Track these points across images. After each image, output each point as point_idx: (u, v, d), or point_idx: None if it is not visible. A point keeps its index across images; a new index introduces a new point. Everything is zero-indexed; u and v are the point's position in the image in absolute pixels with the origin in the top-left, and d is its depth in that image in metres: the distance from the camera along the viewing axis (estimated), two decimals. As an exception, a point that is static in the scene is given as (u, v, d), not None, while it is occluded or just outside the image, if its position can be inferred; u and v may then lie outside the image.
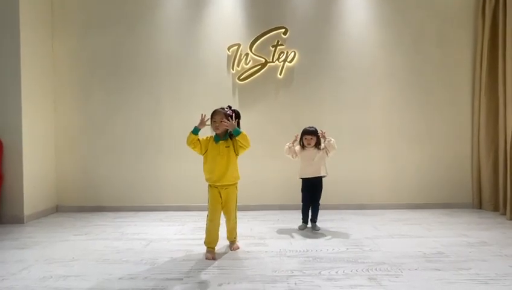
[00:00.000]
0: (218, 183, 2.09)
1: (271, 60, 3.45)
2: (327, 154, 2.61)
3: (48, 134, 3.43)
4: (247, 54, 3.44)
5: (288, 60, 3.44)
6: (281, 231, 2.66)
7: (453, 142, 3.48)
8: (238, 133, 2.04)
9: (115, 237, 2.57)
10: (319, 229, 2.61)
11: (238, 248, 2.23)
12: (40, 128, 3.30)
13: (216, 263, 2.00)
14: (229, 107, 2.14)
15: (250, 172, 3.49)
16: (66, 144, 3.52)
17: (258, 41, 3.44)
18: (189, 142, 2.07)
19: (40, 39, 3.32)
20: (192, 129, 2.07)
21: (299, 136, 2.64)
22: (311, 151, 2.61)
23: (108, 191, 3.51)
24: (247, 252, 2.18)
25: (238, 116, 2.16)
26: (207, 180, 2.13)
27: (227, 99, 3.49)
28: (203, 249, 2.23)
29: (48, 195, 3.40)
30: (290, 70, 3.47)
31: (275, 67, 3.46)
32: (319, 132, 2.60)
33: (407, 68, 3.47)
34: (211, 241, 2.09)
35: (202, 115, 2.09)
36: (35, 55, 3.21)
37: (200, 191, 3.44)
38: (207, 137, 2.14)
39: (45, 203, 3.36)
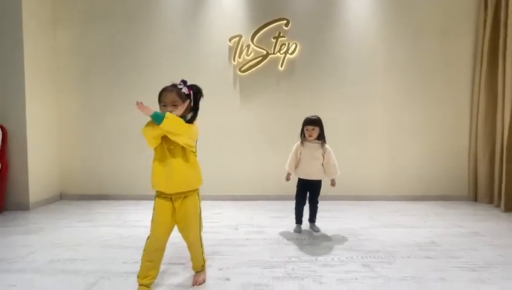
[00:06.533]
0: (171, 191, 1.46)
1: (272, 52, 3.46)
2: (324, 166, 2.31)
3: (51, 123, 3.48)
4: (248, 46, 3.45)
5: (290, 52, 3.46)
6: (279, 220, 2.73)
7: (451, 135, 3.52)
8: (159, 119, 1.32)
9: (117, 224, 2.64)
10: (318, 231, 2.40)
11: (204, 281, 1.62)
12: (44, 117, 3.35)
13: (217, 248, 2.07)
14: (184, 82, 1.50)
15: (251, 163, 3.56)
16: (69, 133, 3.57)
17: (260, 33, 3.45)
18: (150, 135, 1.41)
19: (43, 29, 3.33)
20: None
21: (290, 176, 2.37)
22: (312, 148, 2.28)
23: (111, 179, 3.58)
24: (247, 239, 2.26)
25: (197, 93, 1.53)
26: (154, 186, 1.48)
27: (228, 91, 3.54)
28: (204, 236, 2.27)
29: (52, 183, 3.47)
30: (291, 62, 3.49)
31: (276, 59, 3.48)
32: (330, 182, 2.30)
33: (408, 61, 3.48)
34: (145, 274, 1.47)
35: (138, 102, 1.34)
36: (37, 45, 3.23)
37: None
38: None
39: (49, 191, 3.43)
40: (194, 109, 1.53)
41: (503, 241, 2.18)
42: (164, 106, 1.46)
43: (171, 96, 1.44)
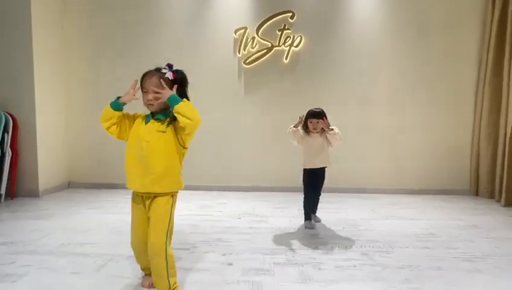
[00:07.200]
0: (137, 189, 1.35)
1: (277, 44, 3.47)
2: (331, 145, 2.27)
3: (59, 112, 3.55)
4: (253, 38, 3.47)
5: (295, 44, 3.47)
6: (281, 211, 2.80)
7: (454, 130, 3.53)
8: (176, 101, 1.25)
9: (125, 211, 2.72)
10: (319, 221, 2.43)
11: None
12: (52, 107, 3.42)
13: (220, 236, 2.14)
14: (169, 66, 1.35)
15: (254, 155, 3.61)
16: (77, 121, 3.64)
17: (265, 25, 3.46)
18: (103, 119, 1.37)
19: (51, 18, 3.37)
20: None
21: (303, 118, 2.27)
22: (317, 138, 2.26)
23: (118, 169, 3.61)
24: (250, 228, 2.33)
25: (183, 81, 1.37)
26: (127, 183, 1.40)
27: (232, 83, 3.57)
28: (208, 224, 2.40)
29: (60, 171, 3.57)
30: (296, 54, 3.50)
31: (281, 52, 3.49)
32: (319, 123, 2.20)
33: (412, 55, 3.47)
34: (144, 266, 1.50)
35: (135, 82, 1.35)
36: (46, 34, 3.29)
37: (203, 171, 3.59)
38: (138, 114, 1.42)
39: (58, 179, 3.53)
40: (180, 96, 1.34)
41: (500, 234, 2.23)
42: (145, 92, 1.33)
43: (153, 82, 1.30)
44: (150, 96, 1.30)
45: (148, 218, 1.35)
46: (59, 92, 3.53)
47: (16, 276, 1.57)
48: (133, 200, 1.40)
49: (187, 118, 1.23)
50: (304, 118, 2.26)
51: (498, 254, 1.88)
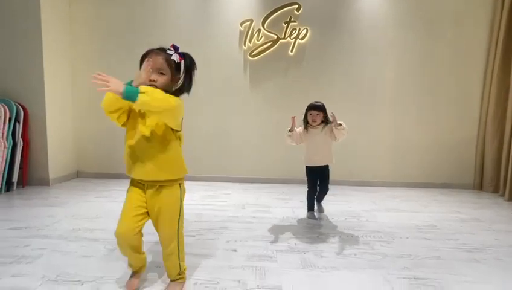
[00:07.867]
0: (139, 178, 1.27)
1: (283, 37, 3.48)
2: (335, 139, 2.22)
3: (68, 103, 3.62)
4: (259, 30, 3.47)
5: (300, 37, 3.47)
6: (285, 202, 2.85)
7: (460, 123, 3.52)
8: (134, 96, 1.06)
9: (132, 200, 2.80)
10: (322, 211, 2.47)
11: None
12: (61, 98, 3.49)
13: (225, 224, 2.20)
14: (175, 47, 1.24)
15: (258, 147, 3.65)
16: (85, 112, 3.71)
17: (271, 18, 3.46)
18: (111, 109, 1.19)
19: (59, 8, 3.40)
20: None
21: (296, 118, 2.20)
22: (317, 134, 2.23)
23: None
24: (253, 217, 2.38)
25: (190, 65, 1.28)
26: (126, 171, 1.31)
27: (238, 75, 3.59)
28: (212, 213, 2.46)
29: (69, 161, 3.66)
30: (302, 47, 3.51)
31: (287, 44, 3.50)
32: (329, 114, 2.17)
33: (420, 47, 3.45)
34: (130, 263, 1.38)
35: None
36: (55, 26, 3.33)
37: (208, 162, 3.65)
38: None
39: (67, 168, 3.62)
40: (186, 82, 1.28)
41: (501, 227, 2.25)
42: (149, 70, 1.20)
43: (158, 61, 1.18)
44: (154, 76, 1.19)
45: (148, 210, 1.28)
46: (68, 84, 3.60)
47: (31, 258, 1.66)
48: (132, 186, 1.31)
49: (155, 112, 1.12)
50: (296, 118, 2.20)
51: (497, 246, 1.91)
